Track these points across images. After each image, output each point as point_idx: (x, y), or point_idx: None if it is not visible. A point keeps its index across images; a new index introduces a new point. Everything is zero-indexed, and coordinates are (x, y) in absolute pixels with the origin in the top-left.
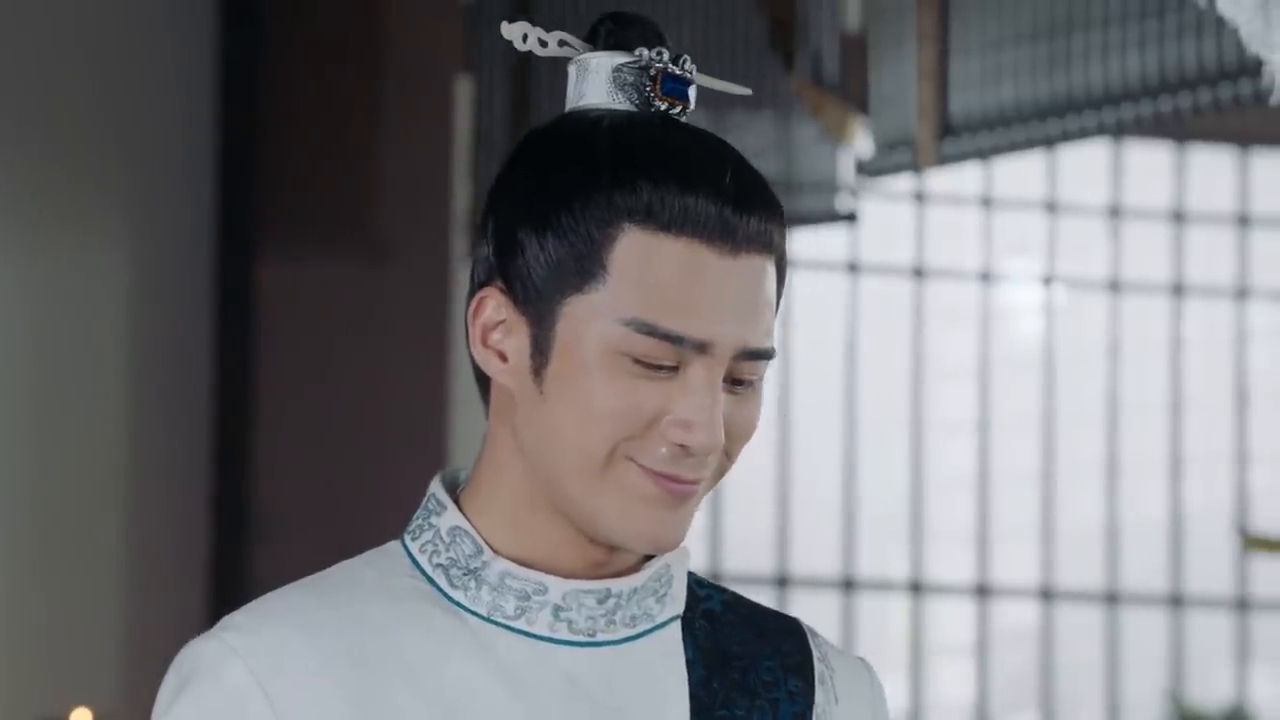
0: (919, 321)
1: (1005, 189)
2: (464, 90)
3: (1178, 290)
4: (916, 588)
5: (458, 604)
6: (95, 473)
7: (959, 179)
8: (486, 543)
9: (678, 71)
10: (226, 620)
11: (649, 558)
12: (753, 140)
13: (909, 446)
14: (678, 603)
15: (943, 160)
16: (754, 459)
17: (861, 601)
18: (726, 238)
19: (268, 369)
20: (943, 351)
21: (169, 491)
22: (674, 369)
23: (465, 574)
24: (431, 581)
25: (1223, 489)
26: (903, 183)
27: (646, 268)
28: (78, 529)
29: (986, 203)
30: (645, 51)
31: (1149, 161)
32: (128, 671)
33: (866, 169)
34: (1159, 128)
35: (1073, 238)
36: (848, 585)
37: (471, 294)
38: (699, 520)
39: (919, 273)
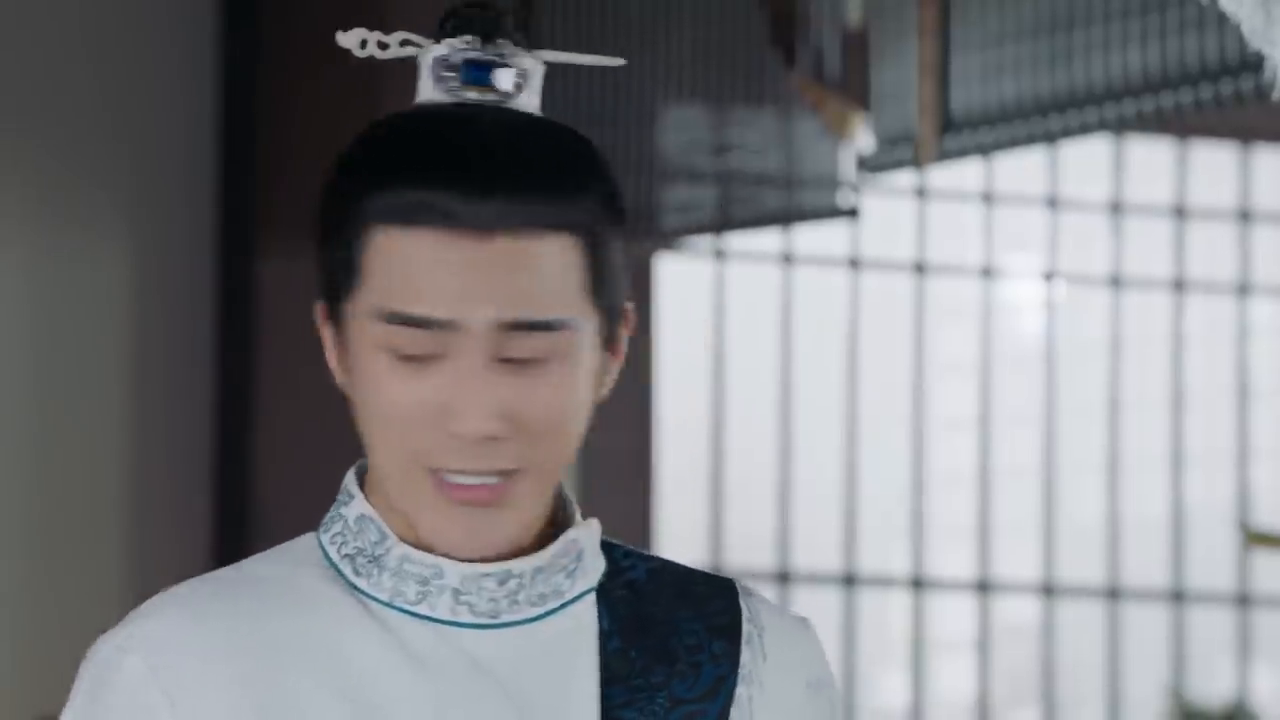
0: (920, 317)
1: (1006, 184)
2: None
3: (1179, 286)
4: (917, 583)
5: (362, 591)
6: (95, 471)
7: (960, 175)
8: (392, 529)
9: (480, 57)
10: (129, 615)
11: (556, 531)
12: (753, 136)
13: (910, 442)
14: (590, 576)
15: (944, 156)
16: (754, 455)
17: (862, 597)
18: (473, 223)
19: (268, 368)
20: (944, 347)
21: (170, 489)
22: (440, 359)
23: (369, 561)
24: (339, 571)
25: (1224, 485)
26: (904, 178)
27: (393, 262)
28: (78, 527)
29: (987, 198)
30: (454, 41)
31: (1150, 157)
32: None
33: (867, 165)
34: (1160, 123)
35: (1074, 233)
36: (849, 581)
37: None
38: (699, 515)
39: (920, 268)
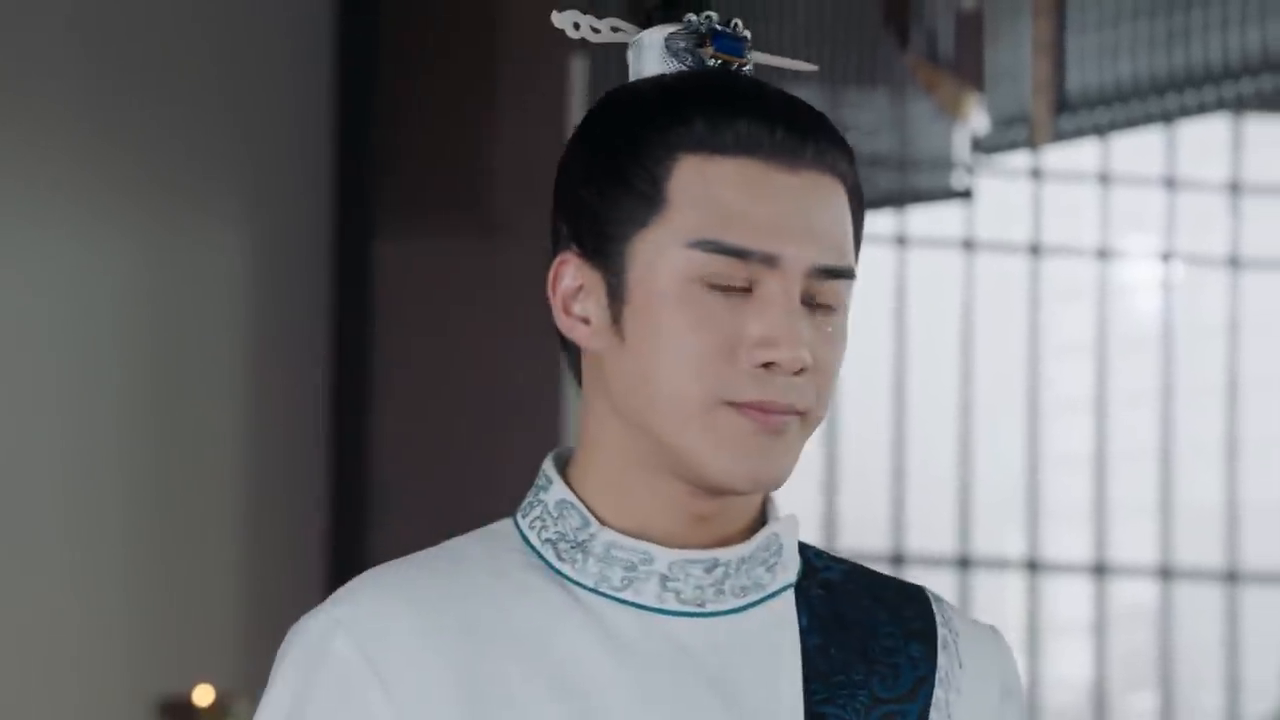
0: (1035, 298)
1: (1123, 165)
2: (580, 69)
3: None
4: (1033, 566)
5: (565, 577)
6: (215, 450)
7: (1076, 155)
8: (594, 514)
9: (730, 31)
10: (334, 595)
11: (757, 528)
12: (867, 118)
13: (1025, 424)
14: (789, 571)
15: (1059, 136)
16: (868, 438)
17: (977, 580)
18: (783, 155)
19: (385, 346)
20: (1059, 329)
21: (288, 469)
22: (747, 291)
23: (573, 547)
24: (540, 556)
25: None
26: (1018, 159)
27: (705, 190)
28: (198, 507)
29: (1104, 179)
30: (694, 17)
31: (1269, 136)
32: (248, 649)
33: (982, 146)
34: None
35: (1192, 214)
36: (963, 563)
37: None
38: (813, 500)
39: (1035, 250)
